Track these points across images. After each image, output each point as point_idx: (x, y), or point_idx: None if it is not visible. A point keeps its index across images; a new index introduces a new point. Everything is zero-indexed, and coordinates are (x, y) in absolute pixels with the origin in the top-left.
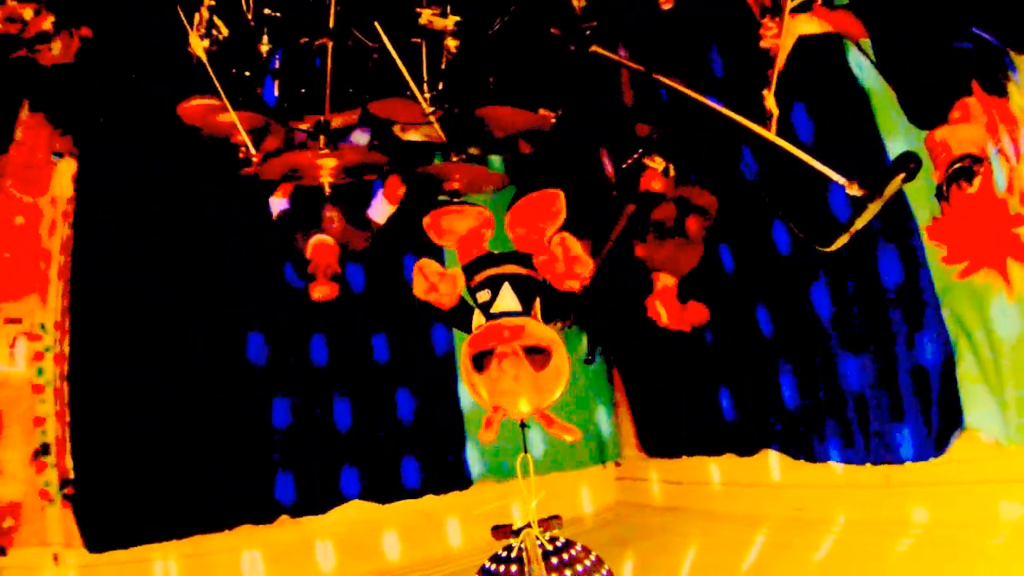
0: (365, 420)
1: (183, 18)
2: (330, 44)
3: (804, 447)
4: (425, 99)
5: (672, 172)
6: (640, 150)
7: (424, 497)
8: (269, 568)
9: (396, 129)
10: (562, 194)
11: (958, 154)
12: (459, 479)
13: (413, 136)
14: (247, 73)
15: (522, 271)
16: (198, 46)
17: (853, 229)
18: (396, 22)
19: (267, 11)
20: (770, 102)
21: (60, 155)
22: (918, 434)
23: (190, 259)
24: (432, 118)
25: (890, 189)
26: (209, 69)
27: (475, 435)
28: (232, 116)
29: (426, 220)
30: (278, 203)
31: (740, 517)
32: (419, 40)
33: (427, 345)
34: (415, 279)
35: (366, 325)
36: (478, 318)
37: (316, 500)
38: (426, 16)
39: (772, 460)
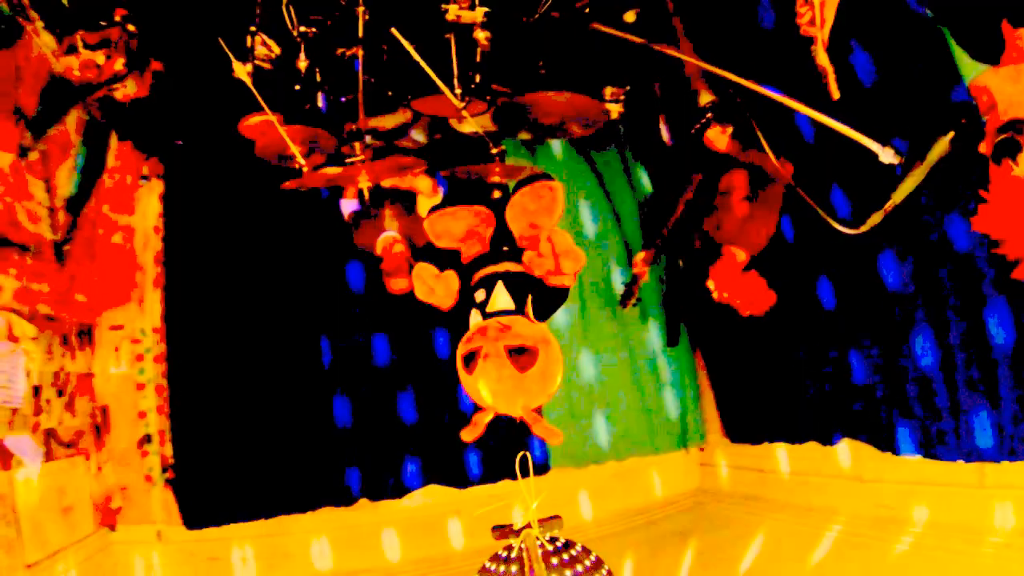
0: (428, 412)
1: (224, 47)
2: (360, 53)
3: (888, 438)
4: (456, 94)
5: (736, 136)
6: (705, 116)
7: (488, 484)
8: (341, 549)
9: (453, 122)
10: (560, 185)
11: (1007, 118)
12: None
13: (469, 127)
14: (297, 87)
15: (515, 268)
16: (241, 71)
17: (888, 206)
18: (424, 20)
19: (302, 28)
20: (821, 58)
21: (147, 178)
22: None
23: (268, 264)
24: (465, 112)
25: (933, 155)
26: (254, 90)
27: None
28: (280, 129)
29: (424, 223)
30: (349, 204)
31: (817, 510)
32: (450, 35)
33: None
34: (415, 283)
35: (426, 321)
36: (475, 317)
37: (385, 488)
38: (453, 12)
39: (854, 451)
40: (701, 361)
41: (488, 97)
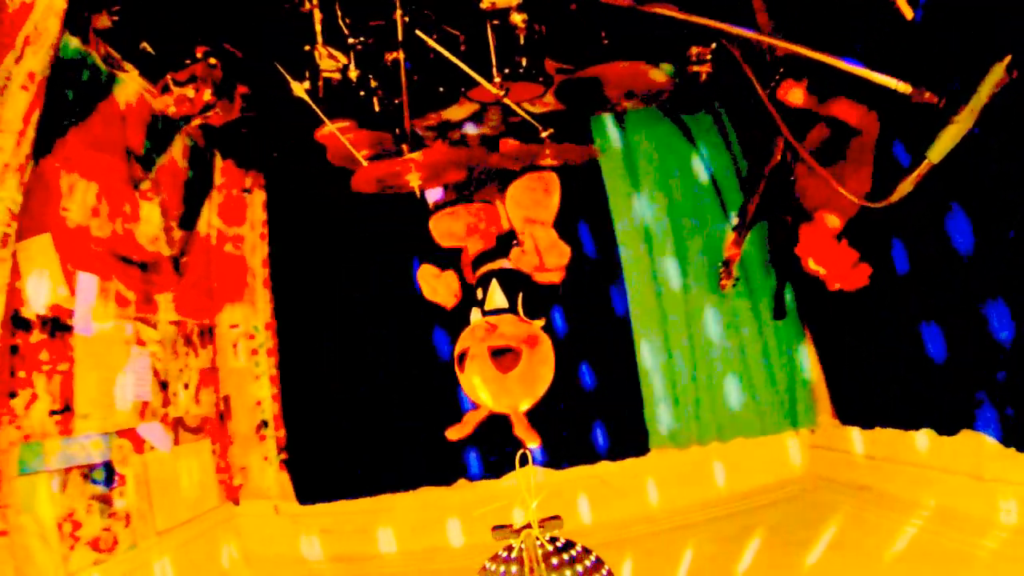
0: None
1: (281, 69)
2: (402, 56)
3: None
4: (495, 83)
5: (811, 89)
6: (779, 71)
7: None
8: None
9: (526, 104)
10: (552, 177)
11: None
12: (638, 445)
13: (536, 109)
14: (362, 93)
15: (508, 265)
16: (299, 89)
17: (922, 168)
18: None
19: (351, 40)
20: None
21: (248, 190)
22: None
23: (369, 259)
24: (505, 99)
25: (981, 96)
26: (313, 106)
27: (652, 402)
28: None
29: (430, 224)
30: (434, 194)
31: (931, 508)
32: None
33: (606, 308)
34: (421, 285)
35: (544, 300)
36: (475, 315)
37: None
38: (487, 0)
39: (975, 445)
40: (810, 336)
41: (541, 78)
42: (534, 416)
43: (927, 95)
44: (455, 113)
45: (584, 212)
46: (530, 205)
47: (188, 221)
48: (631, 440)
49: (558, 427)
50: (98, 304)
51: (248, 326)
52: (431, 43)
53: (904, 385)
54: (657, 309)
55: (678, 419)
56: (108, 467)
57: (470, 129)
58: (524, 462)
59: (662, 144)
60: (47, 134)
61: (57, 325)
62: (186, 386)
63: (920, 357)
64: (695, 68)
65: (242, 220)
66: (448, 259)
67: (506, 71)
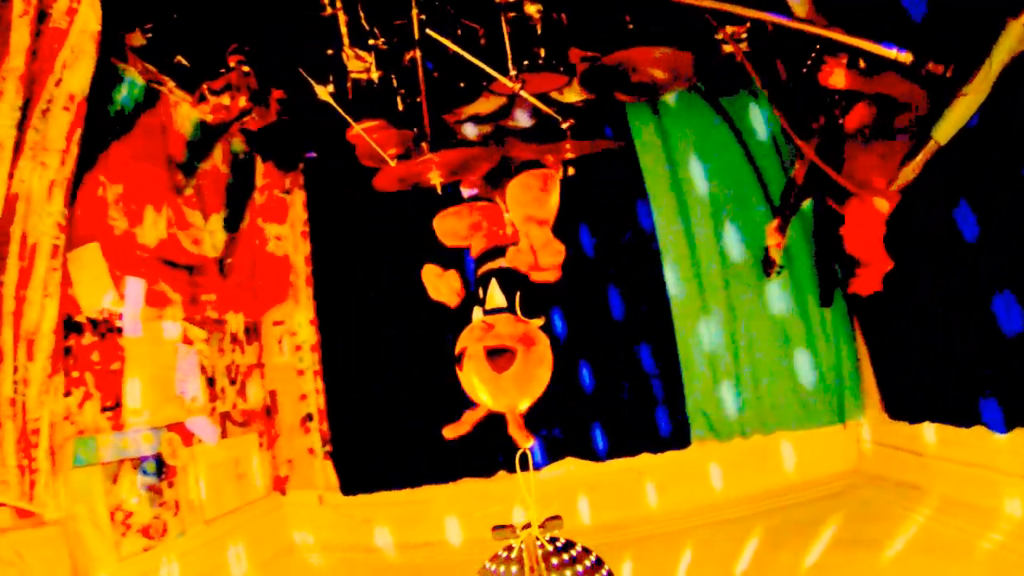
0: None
1: (304, 74)
2: (419, 55)
3: None
4: (511, 76)
5: (852, 66)
6: (816, 47)
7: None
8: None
9: (554, 94)
10: (549, 173)
11: None
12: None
13: (572, 97)
14: (400, 91)
15: (505, 264)
16: (323, 93)
17: (929, 148)
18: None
19: (371, 41)
20: None
21: (288, 191)
22: None
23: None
24: (523, 92)
25: (995, 61)
26: (339, 109)
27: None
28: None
29: (433, 224)
30: (468, 191)
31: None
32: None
33: (659, 292)
34: (425, 284)
35: (599, 283)
36: (477, 314)
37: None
38: None
39: None
40: (859, 324)
41: (561, 68)
42: (598, 399)
43: (931, 65)
44: (483, 107)
45: (622, 199)
46: (528, 203)
47: (232, 223)
48: (672, 433)
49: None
50: (145, 307)
51: (292, 323)
52: (443, 41)
53: (961, 378)
54: (699, 297)
55: (720, 411)
56: (158, 459)
57: (521, 120)
58: (524, 462)
59: (700, 128)
60: (90, 149)
61: (107, 327)
62: (232, 382)
63: (979, 348)
64: (730, 48)
65: (283, 219)
66: (451, 258)
67: (525, 63)
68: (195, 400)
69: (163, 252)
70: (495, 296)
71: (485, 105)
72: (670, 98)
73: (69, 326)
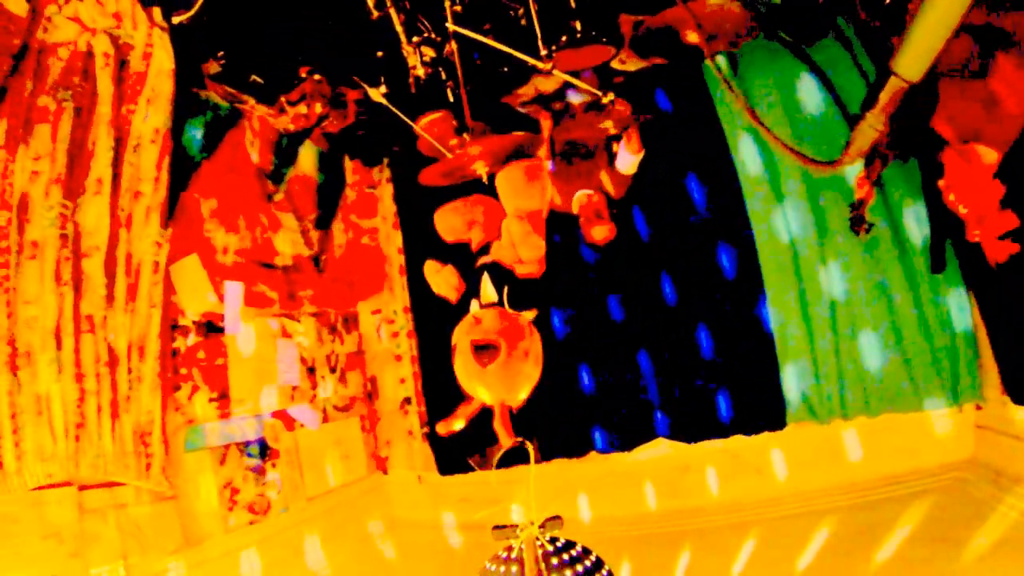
0: (665, 365)
1: (357, 80)
2: (455, 46)
3: None
4: (541, 56)
5: None
6: None
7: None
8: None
9: (615, 63)
10: (534, 164)
11: None
12: (773, 419)
13: (632, 66)
14: (450, 83)
15: (490, 259)
16: (376, 95)
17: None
18: None
19: (415, 39)
20: None
21: (373, 187)
22: None
23: None
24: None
25: None
26: (393, 108)
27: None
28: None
29: (434, 219)
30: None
31: None
32: None
33: (715, 270)
34: (428, 279)
35: (654, 268)
36: (475, 307)
37: (627, 440)
38: None
39: None
40: (974, 294)
41: (604, 39)
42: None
43: None
44: (542, 85)
45: (698, 162)
46: (512, 195)
47: (324, 221)
48: (764, 413)
49: (684, 398)
50: (244, 306)
51: (388, 311)
52: (469, 34)
53: None
54: (790, 263)
55: (816, 390)
56: (262, 443)
57: (573, 98)
58: (525, 457)
59: (782, 80)
60: (183, 172)
61: (211, 328)
62: (332, 370)
63: None
64: None
65: (374, 213)
66: (450, 254)
67: (563, 39)
68: (296, 389)
69: (258, 255)
70: (488, 290)
71: (545, 83)
72: (748, 50)
73: (176, 329)
